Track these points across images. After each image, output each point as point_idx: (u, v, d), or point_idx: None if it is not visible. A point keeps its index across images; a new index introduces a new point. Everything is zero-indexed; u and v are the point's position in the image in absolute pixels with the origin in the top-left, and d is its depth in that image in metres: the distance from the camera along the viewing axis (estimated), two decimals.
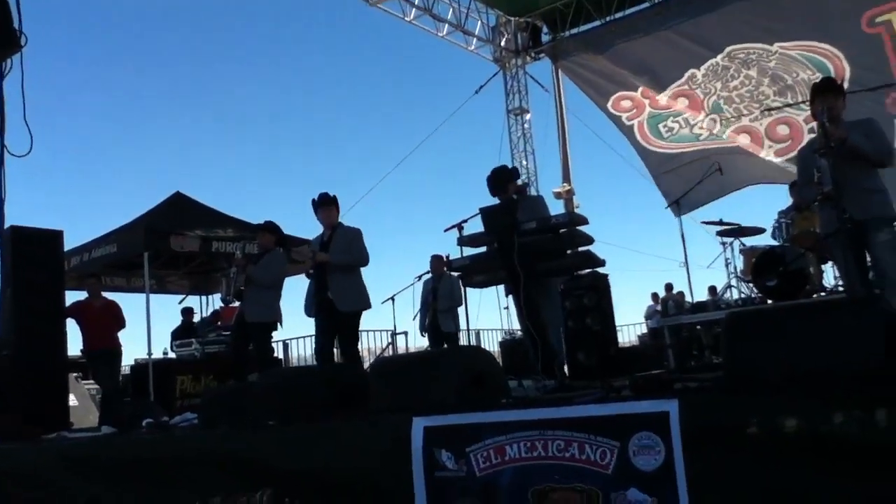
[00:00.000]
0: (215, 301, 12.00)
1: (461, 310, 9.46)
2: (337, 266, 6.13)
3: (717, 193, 8.90)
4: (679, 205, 7.58)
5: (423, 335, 9.90)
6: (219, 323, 10.34)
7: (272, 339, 7.32)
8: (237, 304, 7.33)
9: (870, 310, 2.71)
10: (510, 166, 6.09)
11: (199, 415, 4.92)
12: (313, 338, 6.57)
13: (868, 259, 4.66)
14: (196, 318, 11.55)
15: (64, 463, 4.49)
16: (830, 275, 6.96)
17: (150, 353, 8.98)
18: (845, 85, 9.16)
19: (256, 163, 46.44)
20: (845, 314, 2.78)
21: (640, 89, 11.54)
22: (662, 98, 11.27)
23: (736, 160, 10.27)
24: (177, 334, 10.83)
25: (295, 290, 7.59)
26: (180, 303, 11.25)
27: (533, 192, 12.88)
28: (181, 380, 8.74)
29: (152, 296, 9.69)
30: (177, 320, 11.33)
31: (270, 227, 7.38)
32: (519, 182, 5.93)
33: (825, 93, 4.73)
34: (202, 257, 10.39)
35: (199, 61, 43.42)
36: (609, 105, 11.95)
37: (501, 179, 5.78)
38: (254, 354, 6.99)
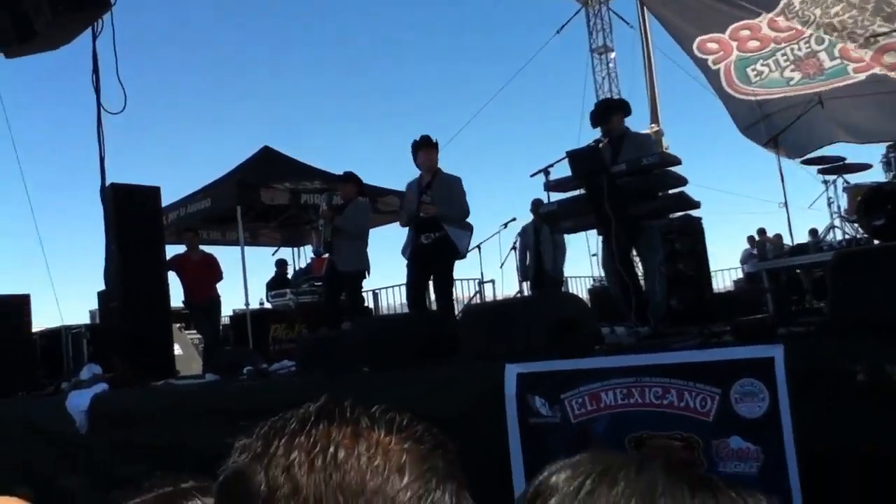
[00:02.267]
0: (307, 253, 12.28)
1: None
2: (442, 217, 6.10)
3: (816, 141, 8.30)
4: (777, 144, 7.20)
5: (524, 282, 9.83)
6: (311, 274, 10.59)
7: (362, 288, 7.44)
8: (328, 255, 7.47)
9: None
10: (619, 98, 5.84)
11: (296, 362, 5.08)
12: (403, 286, 6.62)
13: None
14: (290, 270, 11.88)
15: (174, 407, 4.72)
16: None
17: (247, 304, 9.31)
18: None
19: (342, 115, 46.95)
20: None
21: (731, 28, 10.90)
22: (759, 28, 10.63)
23: (829, 109, 9.64)
24: (271, 285, 11.16)
25: (380, 240, 7.66)
26: (274, 254, 11.57)
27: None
28: (274, 328, 9.04)
29: (246, 248, 9.98)
30: (271, 272, 11.69)
31: (351, 178, 7.43)
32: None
33: None
34: (292, 210, 10.60)
35: (281, 15, 43.85)
36: (695, 47, 11.35)
37: (608, 110, 5.58)
38: (346, 303, 7.12)
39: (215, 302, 9.43)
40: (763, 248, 12.54)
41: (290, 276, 11.52)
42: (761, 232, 13.59)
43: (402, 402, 3.42)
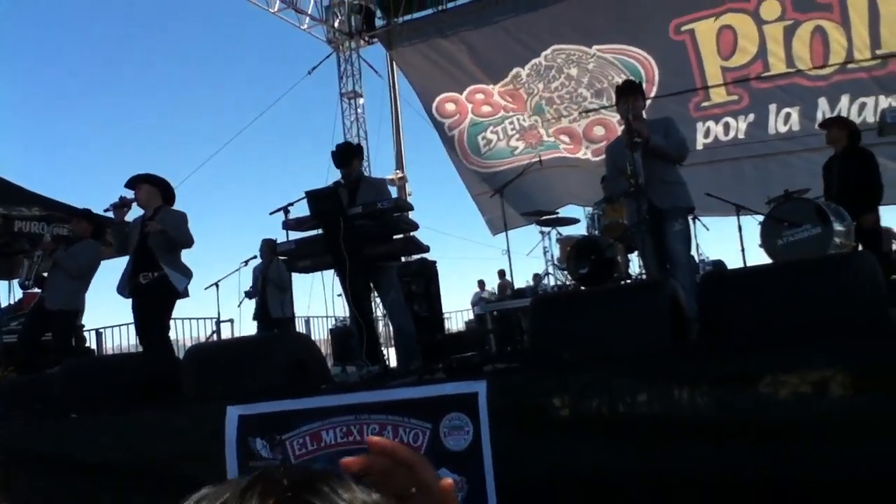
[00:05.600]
0: (16, 286, 11.04)
1: (290, 296, 9.33)
2: (160, 242, 5.80)
3: (534, 211, 9.19)
4: (502, 224, 7.90)
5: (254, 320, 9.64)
6: (22, 310, 9.53)
7: (80, 328, 6.87)
8: (38, 290, 6.82)
9: (656, 293, 2.96)
10: (354, 144, 6.05)
11: None
12: (130, 325, 6.23)
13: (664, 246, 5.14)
14: None
15: None
16: (636, 263, 7.53)
17: None
18: (654, 89, 9.89)
19: (70, 142, 43.07)
20: (635, 297, 3.02)
21: (468, 90, 11.77)
22: (492, 94, 11.57)
23: (550, 175, 10.81)
24: None
25: (107, 274, 7.14)
26: None
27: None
28: None
29: None
30: None
31: (87, 215, 6.91)
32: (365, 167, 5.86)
33: (627, 94, 5.26)
34: (4, 237, 9.52)
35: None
36: (434, 107, 12.09)
37: (349, 154, 5.75)
38: (53, 344, 6.54)
39: None
40: (503, 290, 13.40)
41: None
42: (501, 274, 14.55)
43: (119, 446, 3.19)
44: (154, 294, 5.77)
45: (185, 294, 5.91)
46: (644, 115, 5.34)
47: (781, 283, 2.90)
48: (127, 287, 5.87)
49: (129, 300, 5.88)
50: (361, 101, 14.14)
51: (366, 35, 13.60)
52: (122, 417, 3.47)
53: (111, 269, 6.91)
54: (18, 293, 10.04)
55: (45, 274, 6.54)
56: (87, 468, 3.47)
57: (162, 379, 3.68)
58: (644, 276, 6.51)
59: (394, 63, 13.12)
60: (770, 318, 2.72)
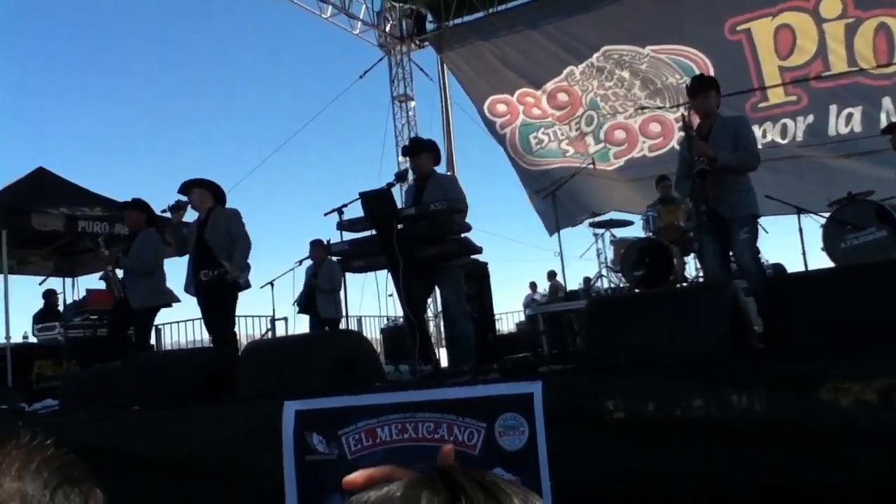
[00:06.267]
0: (81, 283, 11.40)
1: (342, 295, 9.42)
2: (219, 241, 6.03)
3: (584, 214, 9.15)
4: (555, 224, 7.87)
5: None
6: (86, 307, 9.83)
7: (152, 325, 7.12)
8: (104, 288, 7.05)
9: (717, 296, 2.92)
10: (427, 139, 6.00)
11: (60, 400, 4.70)
12: (188, 322, 6.44)
13: (731, 254, 5.03)
14: (61, 301, 10.94)
15: None
16: (693, 266, 7.41)
17: (8, 337, 8.44)
18: None
19: (131, 143, 44.24)
20: (694, 300, 2.98)
21: (518, 92, 11.76)
22: (541, 95, 11.54)
23: (600, 182, 10.76)
24: (39, 318, 10.21)
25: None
26: (41, 284, 10.62)
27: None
28: (39, 364, 8.27)
29: (12, 277, 9.09)
30: (39, 303, 10.71)
31: (139, 205, 7.02)
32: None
33: (694, 95, 5.08)
34: (67, 237, 9.83)
35: (67, 32, 40.91)
36: (485, 107, 12.12)
37: (417, 147, 5.68)
38: (135, 339, 6.79)
39: None
40: (555, 292, 13.25)
41: (61, 308, 10.60)
42: (552, 275, 14.41)
43: (178, 440, 3.29)
44: (216, 289, 5.97)
45: (248, 285, 6.11)
46: (718, 112, 5.12)
47: (844, 288, 2.83)
48: (191, 285, 6.09)
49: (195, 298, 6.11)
50: (413, 104, 14.23)
51: (417, 39, 13.69)
52: (182, 412, 3.56)
53: (171, 269, 7.11)
54: (83, 290, 10.39)
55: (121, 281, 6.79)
56: (148, 461, 3.57)
57: (221, 374, 3.76)
58: (701, 280, 6.41)
59: (444, 66, 13.17)
60: (833, 324, 2.66)
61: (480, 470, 0.75)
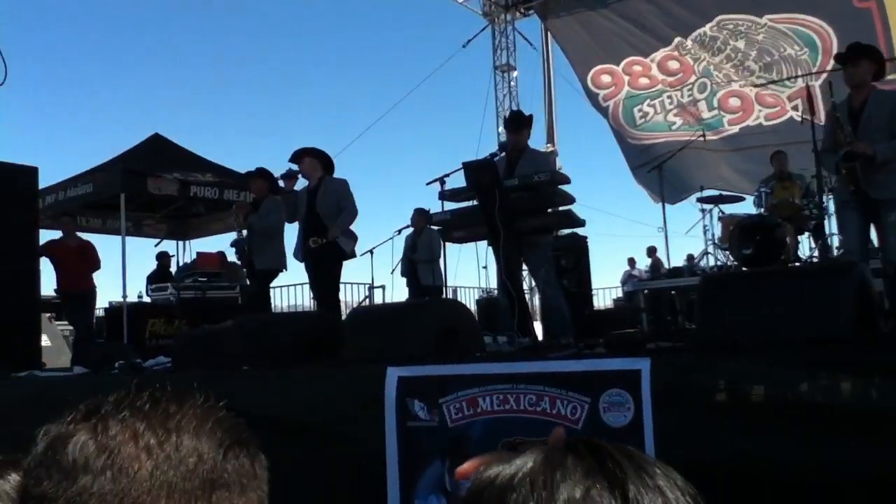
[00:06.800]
0: (192, 246, 11.90)
1: (441, 264, 9.48)
2: (328, 210, 6.24)
3: (691, 191, 8.83)
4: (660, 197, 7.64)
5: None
6: (196, 269, 10.27)
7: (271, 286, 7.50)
8: (215, 251, 7.40)
9: (843, 277, 2.74)
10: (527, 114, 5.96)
11: (172, 358, 4.91)
12: (292, 287, 6.70)
13: (875, 236, 4.81)
14: (174, 264, 11.47)
15: (33, 401, 4.47)
16: (806, 245, 7.06)
17: (124, 296, 8.92)
18: (830, 62, 9.15)
19: (236, 110, 45.75)
20: (817, 281, 2.81)
21: (625, 62, 11.41)
22: (651, 63, 11.16)
23: (709, 157, 10.33)
24: (152, 278, 10.74)
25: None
26: (156, 246, 11.15)
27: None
28: (152, 322, 8.71)
29: (129, 239, 9.58)
30: (153, 264, 11.26)
31: (263, 174, 7.33)
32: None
33: (844, 64, 4.83)
34: (180, 201, 10.26)
35: (180, 5, 42.45)
36: (589, 78, 11.82)
37: (520, 122, 5.70)
38: (257, 301, 7.18)
39: (90, 292, 9.00)
40: (656, 269, 12.86)
41: (173, 270, 11.12)
42: (652, 250, 13.99)
43: (284, 401, 3.37)
44: (325, 257, 6.17)
45: (353, 255, 6.33)
46: (868, 83, 4.77)
47: None
48: (300, 251, 6.31)
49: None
50: (515, 73, 14.08)
51: (522, 7, 13.48)
52: (288, 372, 3.65)
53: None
54: (194, 253, 10.85)
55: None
56: (254, 420, 3.68)
57: (326, 338, 3.83)
58: (816, 259, 6.09)
59: (548, 35, 12.94)
60: None
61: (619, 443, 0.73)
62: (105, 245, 9.75)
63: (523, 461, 0.73)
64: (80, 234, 9.46)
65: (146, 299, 9.98)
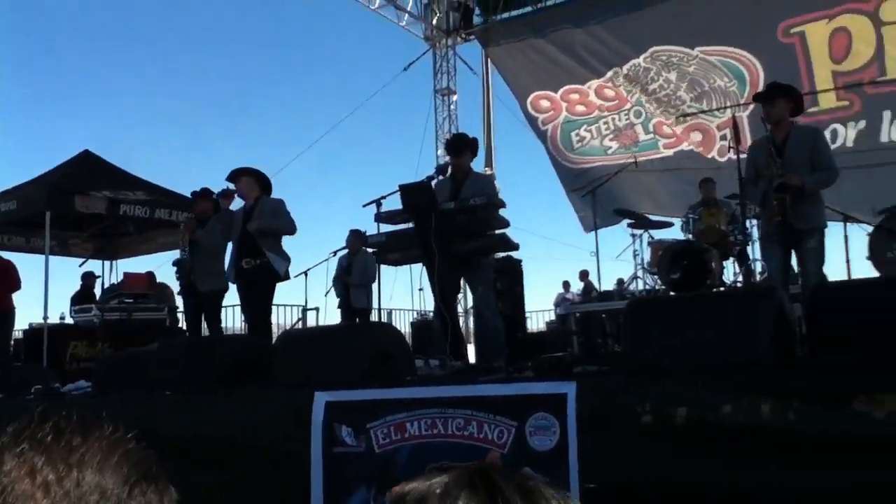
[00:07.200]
0: (120, 266, 11.53)
1: (374, 287, 9.42)
2: (264, 233, 6.14)
3: (627, 211, 9.04)
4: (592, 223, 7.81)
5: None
6: (123, 290, 9.94)
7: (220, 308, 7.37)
8: (143, 271, 7.21)
9: (762, 301, 2.82)
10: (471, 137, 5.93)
11: (93, 382, 4.74)
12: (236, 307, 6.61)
13: (796, 262, 5.03)
14: (99, 284, 11.08)
15: None
16: (731, 270, 7.26)
17: (45, 318, 8.56)
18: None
19: (172, 129, 44.82)
20: (739, 304, 2.88)
21: (563, 89, 11.64)
22: (588, 90, 11.39)
23: (643, 179, 10.60)
24: (76, 299, 10.38)
25: None
26: (81, 266, 10.77)
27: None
28: (74, 345, 8.40)
29: (54, 258, 9.25)
30: (78, 285, 10.86)
31: (207, 194, 7.30)
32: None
33: (763, 100, 5.08)
34: (108, 220, 9.95)
35: (117, 20, 41.57)
36: (528, 103, 12.03)
37: (462, 145, 5.64)
38: (208, 324, 7.06)
39: (9, 313, 8.63)
40: (588, 292, 13.02)
41: (98, 291, 10.74)
42: (584, 274, 14.16)
43: (208, 426, 3.27)
44: (257, 278, 6.07)
45: (287, 276, 6.26)
46: (790, 120, 5.06)
47: (886, 299, 2.72)
48: (232, 272, 6.21)
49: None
50: (455, 97, 14.18)
51: (463, 32, 13.62)
52: (214, 398, 3.56)
53: None
54: (121, 274, 10.52)
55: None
56: (177, 445, 3.57)
57: (255, 361, 3.76)
58: (738, 285, 6.26)
59: (489, 60, 13.10)
60: (876, 335, 2.55)
61: (524, 473, 0.74)
62: (28, 264, 9.40)
63: (429, 486, 0.76)
64: (1, 252, 9.09)
65: (69, 321, 9.62)
